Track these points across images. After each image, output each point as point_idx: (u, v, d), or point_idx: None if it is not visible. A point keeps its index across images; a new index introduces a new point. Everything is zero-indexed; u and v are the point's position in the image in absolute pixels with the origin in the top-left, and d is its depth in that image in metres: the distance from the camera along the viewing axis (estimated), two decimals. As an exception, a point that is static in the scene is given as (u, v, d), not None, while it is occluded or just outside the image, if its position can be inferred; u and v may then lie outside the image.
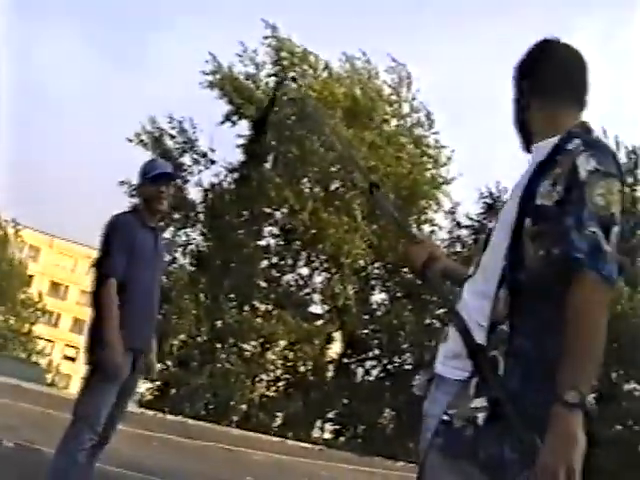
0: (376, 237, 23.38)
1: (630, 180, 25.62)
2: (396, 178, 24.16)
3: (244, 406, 23.60)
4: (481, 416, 1.94)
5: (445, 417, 1.99)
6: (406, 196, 24.41)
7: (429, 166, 25.88)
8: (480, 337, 2.02)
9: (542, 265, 2.01)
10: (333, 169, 23.66)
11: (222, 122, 23.82)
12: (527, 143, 2.34)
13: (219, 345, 23.37)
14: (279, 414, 24.76)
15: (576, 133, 2.13)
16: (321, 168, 23.79)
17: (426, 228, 25.62)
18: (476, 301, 2.13)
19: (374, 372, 25.22)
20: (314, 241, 23.68)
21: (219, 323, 23.41)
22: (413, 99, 25.96)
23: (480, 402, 1.95)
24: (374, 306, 25.48)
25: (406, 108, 26.24)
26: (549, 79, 2.28)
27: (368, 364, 25.31)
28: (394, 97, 25.96)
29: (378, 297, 25.64)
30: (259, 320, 23.53)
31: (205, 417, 19.87)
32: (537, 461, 1.79)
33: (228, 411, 22.90)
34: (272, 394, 24.75)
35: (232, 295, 23.74)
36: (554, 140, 2.15)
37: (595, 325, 1.88)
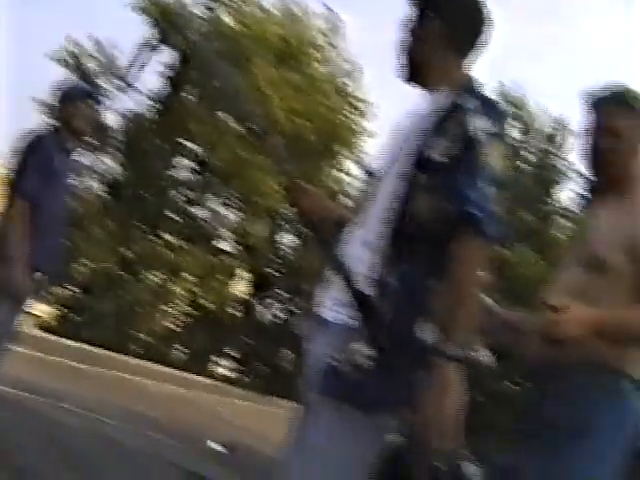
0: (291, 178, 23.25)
1: (547, 147, 26.24)
2: (318, 123, 24.14)
3: (147, 337, 23.51)
4: (365, 362, 1.98)
5: (331, 361, 2.02)
6: (326, 142, 24.45)
7: (352, 116, 25.94)
8: (363, 285, 2.06)
9: (430, 217, 2.05)
10: (256, 107, 23.42)
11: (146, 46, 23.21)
12: (410, 73, 2.35)
13: (126, 274, 23.13)
14: (181, 348, 24.78)
15: (472, 91, 2.18)
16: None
17: (343, 176, 25.82)
18: (360, 250, 2.15)
19: (279, 313, 25.41)
20: (229, 178, 23.52)
21: (128, 252, 23.16)
22: (343, 48, 25.99)
23: (365, 347, 2.00)
24: (283, 247, 25.61)
25: (335, 56, 26.22)
26: (459, 26, 2.29)
27: (273, 304, 25.49)
28: (324, 44, 25.86)
29: (288, 239, 25.74)
30: (168, 252, 23.39)
31: (106, 345, 19.72)
32: (417, 412, 1.86)
33: (130, 341, 22.77)
34: (176, 327, 24.72)
35: (143, 225, 23.48)
36: (451, 95, 2.17)
37: (475, 280, 1.96)
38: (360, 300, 2.04)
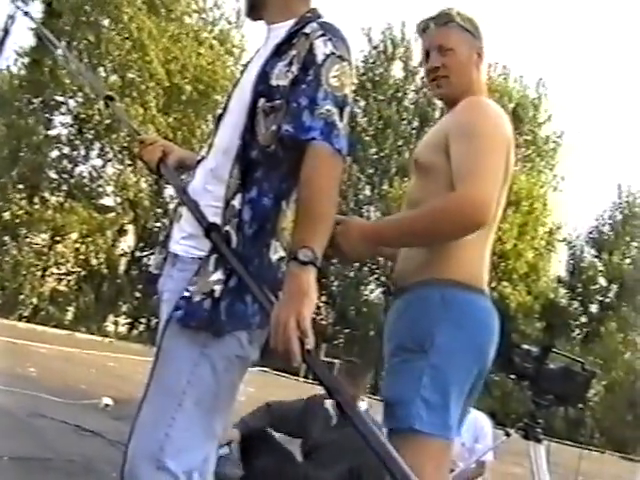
0: (171, 129, 23.09)
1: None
2: (195, 71, 23.90)
3: (34, 300, 23.03)
4: (218, 288, 2.02)
5: (185, 293, 2.05)
6: (204, 90, 24.22)
7: (230, 63, 25.79)
8: (212, 216, 2.10)
9: (272, 140, 2.09)
10: (130, 58, 23.01)
11: (13, 0, 22.37)
12: (252, 9, 2.40)
13: (7, 237, 22.51)
14: (70, 308, 24.40)
15: (311, 18, 2.21)
16: (117, 57, 23.06)
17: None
18: (207, 182, 2.20)
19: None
20: (108, 131, 23.04)
21: (7, 215, 22.51)
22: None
23: (217, 275, 2.03)
24: (167, 199, 25.28)
25: (210, 3, 26.00)
26: None
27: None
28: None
29: (171, 190, 25.45)
30: (50, 212, 22.85)
31: (-8, 311, 19.25)
32: (271, 315, 1.90)
33: (17, 305, 22.29)
34: (63, 288, 24.28)
35: (21, 186, 22.83)
36: (290, 23, 2.22)
37: (326, 192, 1.99)
38: (208, 229, 2.07)
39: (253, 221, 2.09)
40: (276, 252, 2.14)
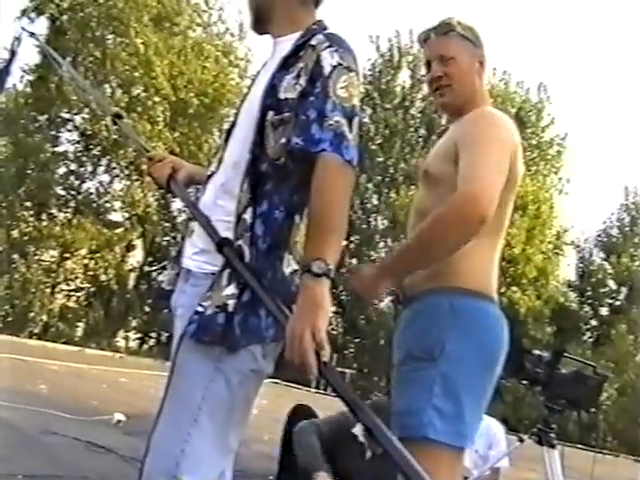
0: (177, 144, 23.14)
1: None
2: (200, 85, 23.97)
3: (44, 317, 23.07)
4: (231, 303, 2.02)
5: (199, 308, 2.05)
6: (210, 103, 24.27)
7: (235, 76, 25.86)
8: (223, 231, 2.10)
9: (282, 153, 2.10)
10: (136, 74, 23.10)
11: (19, 18, 22.53)
12: (258, 23, 2.41)
13: (16, 255, 22.57)
14: (80, 324, 24.42)
15: (317, 30, 2.22)
16: (123, 73, 23.15)
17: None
18: (218, 197, 2.20)
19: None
20: (115, 147, 23.10)
21: (15, 232, 22.58)
22: (220, 9, 25.90)
23: (230, 290, 2.04)
24: (175, 213, 25.33)
25: (215, 17, 26.13)
26: None
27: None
28: (201, 4, 25.78)
29: (179, 204, 25.51)
30: (58, 228, 22.91)
31: (2, 330, 19.29)
32: (286, 328, 1.90)
33: (27, 323, 22.32)
34: (73, 304, 24.31)
35: (29, 203, 22.91)
36: (295, 36, 2.23)
37: (338, 203, 1.99)
38: (220, 244, 2.08)
39: (266, 235, 2.09)
40: (289, 265, 2.14)
